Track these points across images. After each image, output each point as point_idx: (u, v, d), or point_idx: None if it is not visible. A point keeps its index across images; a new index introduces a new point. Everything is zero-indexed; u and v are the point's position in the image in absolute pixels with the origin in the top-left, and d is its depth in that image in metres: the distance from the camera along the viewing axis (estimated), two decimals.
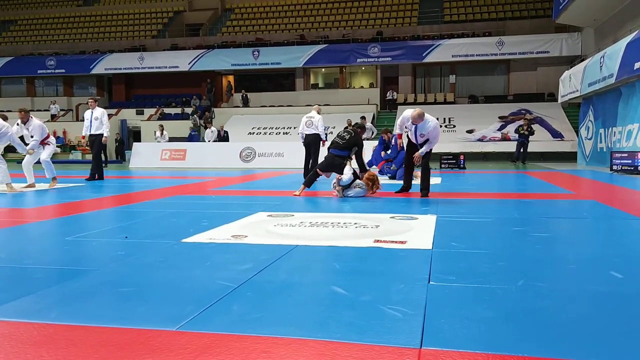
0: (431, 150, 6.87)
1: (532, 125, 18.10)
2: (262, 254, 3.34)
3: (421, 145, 6.80)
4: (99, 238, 4.07)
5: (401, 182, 7.68)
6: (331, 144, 7.27)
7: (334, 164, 6.97)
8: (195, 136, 22.05)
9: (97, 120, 10.14)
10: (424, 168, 6.87)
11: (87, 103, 10.53)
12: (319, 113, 10.00)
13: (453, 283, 2.65)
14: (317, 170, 7.20)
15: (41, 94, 30.90)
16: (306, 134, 9.83)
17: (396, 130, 7.64)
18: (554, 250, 3.60)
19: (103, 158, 17.97)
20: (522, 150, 17.03)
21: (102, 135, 10.10)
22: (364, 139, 8.75)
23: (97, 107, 10.32)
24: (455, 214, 5.25)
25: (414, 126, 6.73)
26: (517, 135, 17.51)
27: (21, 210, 6.01)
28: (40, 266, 3.17)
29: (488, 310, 2.22)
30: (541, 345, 1.85)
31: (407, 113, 6.85)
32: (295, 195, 7.01)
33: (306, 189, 7.27)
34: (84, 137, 10.49)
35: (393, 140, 9.94)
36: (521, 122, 18.29)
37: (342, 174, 6.81)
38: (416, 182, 7.30)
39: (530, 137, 17.13)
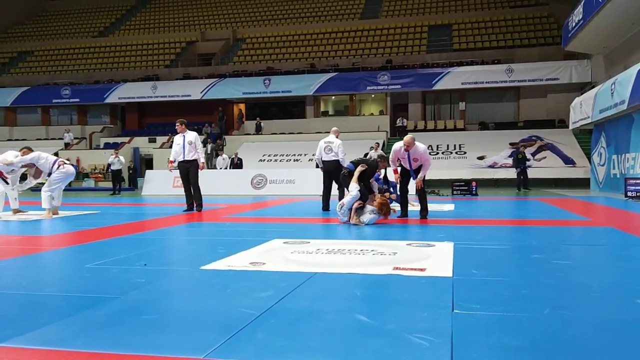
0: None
1: (525, 154, 17.70)
2: (282, 281, 3.33)
3: (416, 172, 7.42)
4: (118, 265, 4.08)
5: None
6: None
7: (339, 175, 7.41)
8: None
9: (191, 144, 9.16)
10: (421, 193, 7.42)
11: (175, 127, 9.42)
12: (337, 137, 9.06)
13: (477, 311, 2.63)
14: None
15: (56, 123, 31.34)
16: (325, 161, 8.88)
17: (392, 167, 7.74)
18: (575, 278, 3.56)
19: (117, 186, 18.20)
20: (522, 177, 16.97)
21: (196, 161, 9.17)
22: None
23: (187, 130, 9.32)
24: (472, 241, 5.22)
25: (406, 153, 7.30)
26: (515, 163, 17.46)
27: (41, 238, 6.06)
28: (62, 294, 3.19)
29: (516, 339, 2.20)
30: None
31: (396, 146, 7.47)
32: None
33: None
34: (171, 163, 9.52)
35: (382, 173, 9.58)
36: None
37: (347, 185, 7.03)
38: (412, 208, 7.94)
39: (527, 162, 17.12)
